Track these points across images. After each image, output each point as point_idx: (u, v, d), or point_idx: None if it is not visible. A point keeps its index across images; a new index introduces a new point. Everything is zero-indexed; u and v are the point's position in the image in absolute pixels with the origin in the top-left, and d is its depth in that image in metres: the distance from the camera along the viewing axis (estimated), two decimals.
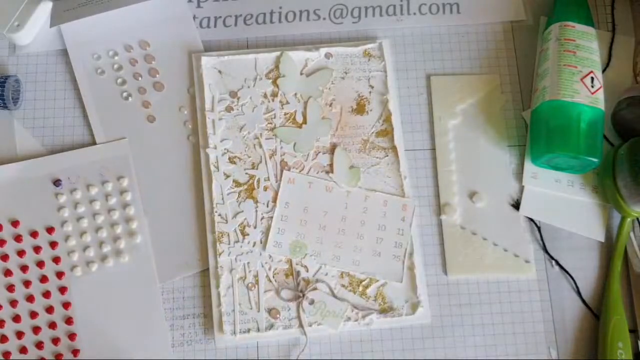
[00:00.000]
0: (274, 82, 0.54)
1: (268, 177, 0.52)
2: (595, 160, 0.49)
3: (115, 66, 0.55)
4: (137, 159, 0.53)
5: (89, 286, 0.49)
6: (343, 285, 0.50)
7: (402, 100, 0.55)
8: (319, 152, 0.53)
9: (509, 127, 0.54)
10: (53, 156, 0.52)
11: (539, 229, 0.51)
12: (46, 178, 0.51)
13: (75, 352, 0.48)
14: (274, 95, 0.54)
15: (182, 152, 0.53)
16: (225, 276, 0.50)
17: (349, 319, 0.49)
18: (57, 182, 0.51)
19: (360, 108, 0.54)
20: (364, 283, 0.50)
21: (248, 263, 0.50)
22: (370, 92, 0.54)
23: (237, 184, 0.52)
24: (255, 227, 0.51)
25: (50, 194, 0.51)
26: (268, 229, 0.51)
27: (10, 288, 0.49)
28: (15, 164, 0.52)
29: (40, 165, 0.52)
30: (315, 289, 0.49)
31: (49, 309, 0.49)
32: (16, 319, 0.49)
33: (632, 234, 0.51)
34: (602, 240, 0.51)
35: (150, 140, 0.53)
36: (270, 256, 0.50)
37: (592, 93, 0.50)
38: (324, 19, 0.57)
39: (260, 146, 0.53)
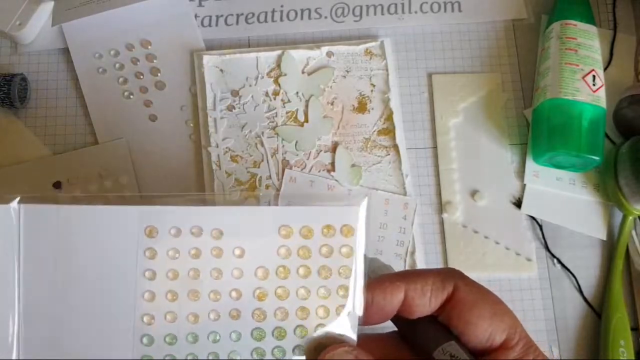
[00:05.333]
0: (276, 81, 0.54)
1: (270, 176, 0.52)
2: (596, 158, 0.49)
3: (117, 65, 0.55)
4: (138, 158, 0.53)
5: None
6: None
7: (403, 98, 0.55)
8: (321, 151, 0.53)
9: (510, 125, 0.54)
10: (51, 158, 0.52)
11: (540, 227, 0.51)
12: (46, 181, 0.51)
13: None
14: (276, 93, 0.54)
15: (184, 151, 0.53)
16: None
17: None
18: (56, 184, 0.51)
19: (361, 107, 0.54)
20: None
21: None
22: (371, 91, 0.54)
23: (239, 182, 0.52)
24: None
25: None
26: None
27: None
28: (14, 167, 0.52)
29: (39, 168, 0.52)
30: None
31: None
32: None
33: (633, 232, 0.51)
34: (604, 238, 0.51)
35: (152, 140, 0.53)
36: None
37: (594, 91, 0.50)
38: (326, 17, 0.57)
39: (262, 145, 0.53)
